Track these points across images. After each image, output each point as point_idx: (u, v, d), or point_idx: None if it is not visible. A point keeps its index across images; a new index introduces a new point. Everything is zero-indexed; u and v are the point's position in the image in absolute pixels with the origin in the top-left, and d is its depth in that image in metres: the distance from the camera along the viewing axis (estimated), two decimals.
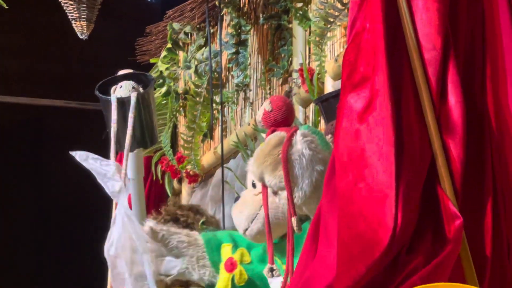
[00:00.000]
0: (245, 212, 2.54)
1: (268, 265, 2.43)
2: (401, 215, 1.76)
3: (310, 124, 3.36)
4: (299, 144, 2.36)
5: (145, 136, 3.04)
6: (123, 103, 2.96)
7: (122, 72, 3.20)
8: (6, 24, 7.10)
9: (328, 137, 2.44)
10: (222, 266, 2.66)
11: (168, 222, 3.48)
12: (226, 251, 2.67)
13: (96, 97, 3.55)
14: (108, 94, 3.02)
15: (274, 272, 2.40)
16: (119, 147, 2.98)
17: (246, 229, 2.54)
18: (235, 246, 2.65)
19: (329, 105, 2.57)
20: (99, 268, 4.40)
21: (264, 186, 2.42)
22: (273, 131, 2.41)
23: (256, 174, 2.41)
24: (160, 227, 2.69)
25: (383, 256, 1.74)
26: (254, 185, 2.54)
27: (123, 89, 3.01)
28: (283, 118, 2.43)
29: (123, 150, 2.96)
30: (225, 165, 3.86)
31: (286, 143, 2.34)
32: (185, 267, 2.66)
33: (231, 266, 2.64)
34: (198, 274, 2.68)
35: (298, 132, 2.38)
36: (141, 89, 3.03)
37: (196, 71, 4.25)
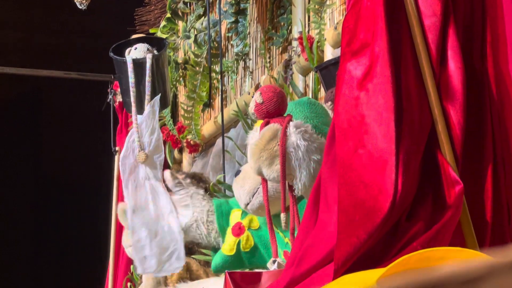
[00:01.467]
0: (246, 187, 2.56)
1: (273, 258, 2.44)
2: (401, 181, 1.76)
3: (311, 93, 3.35)
4: (293, 136, 2.36)
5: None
6: (138, 65, 2.97)
7: (135, 36, 3.21)
8: None
9: (328, 104, 2.44)
10: (229, 230, 2.68)
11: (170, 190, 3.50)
12: (236, 216, 2.70)
13: (96, 67, 3.53)
14: (122, 56, 3.03)
15: (277, 265, 2.42)
16: (139, 110, 2.99)
17: (248, 204, 2.56)
18: (245, 212, 2.67)
19: (328, 73, 2.56)
20: (99, 240, 4.41)
21: (264, 180, 2.44)
22: (267, 123, 2.41)
23: (254, 169, 2.42)
24: (181, 176, 2.74)
25: (383, 223, 1.75)
26: None
27: (137, 51, 3.02)
28: (275, 109, 2.42)
29: (136, 113, 2.97)
30: (225, 134, 3.86)
31: (283, 137, 2.35)
32: (195, 219, 2.68)
33: (238, 230, 2.67)
34: (206, 228, 2.71)
35: (291, 123, 2.38)
36: (155, 52, 3.03)
37: (195, 41, 4.24)
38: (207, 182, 3.49)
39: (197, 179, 3.54)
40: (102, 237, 4.29)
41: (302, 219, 1.97)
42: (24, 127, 7.65)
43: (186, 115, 4.34)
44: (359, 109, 1.82)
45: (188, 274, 3.29)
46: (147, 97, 2.93)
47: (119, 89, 4.45)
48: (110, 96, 4.39)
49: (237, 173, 2.63)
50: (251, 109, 2.46)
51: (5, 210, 7.56)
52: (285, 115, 2.45)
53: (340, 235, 1.76)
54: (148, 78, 2.96)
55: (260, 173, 2.42)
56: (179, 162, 4.64)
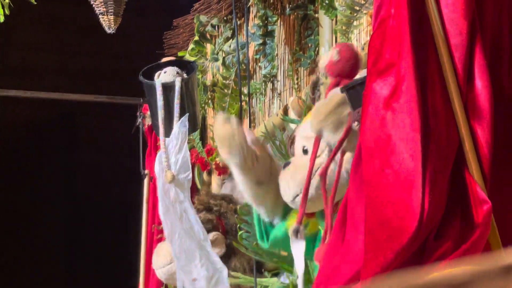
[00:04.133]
0: (297, 177, 2.40)
1: (295, 225, 2.29)
2: (428, 201, 1.75)
3: None
4: None
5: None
6: (167, 88, 2.98)
7: (165, 59, 3.23)
8: (34, 19, 7.16)
9: (355, 124, 2.42)
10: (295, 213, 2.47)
11: (201, 211, 3.50)
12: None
13: (126, 90, 3.54)
14: (152, 80, 3.05)
15: (299, 234, 2.28)
16: (166, 133, 3.00)
17: (296, 196, 2.40)
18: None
19: (356, 93, 2.54)
20: (129, 261, 4.42)
21: (318, 139, 2.29)
22: (337, 83, 2.27)
23: (313, 127, 2.26)
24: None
25: (411, 242, 1.74)
26: (305, 151, 2.44)
27: (167, 75, 3.03)
28: (349, 70, 2.29)
29: (164, 136, 2.98)
30: None
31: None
32: None
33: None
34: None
35: None
36: (185, 75, 3.04)
37: (223, 63, 4.26)
38: (237, 203, 3.48)
39: (227, 201, 3.54)
40: (132, 259, 4.30)
41: (329, 239, 1.97)
42: (57, 150, 7.71)
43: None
44: (385, 128, 1.82)
45: None
46: (175, 119, 2.95)
47: (148, 112, 4.48)
48: (139, 119, 4.42)
49: (286, 165, 2.47)
50: (323, 64, 2.33)
51: (38, 230, 7.62)
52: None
53: (367, 255, 1.76)
54: (177, 101, 2.97)
55: (318, 133, 2.27)
56: (208, 185, 4.66)
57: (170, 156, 2.87)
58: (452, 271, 0.87)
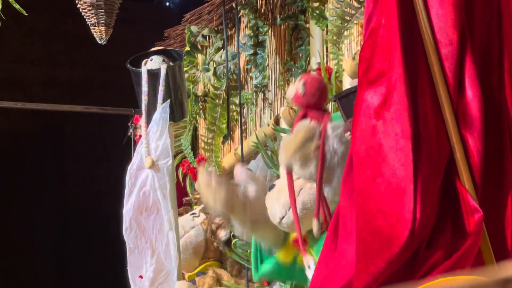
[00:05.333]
0: (281, 199, 2.45)
1: (305, 258, 2.35)
2: (419, 209, 1.76)
3: None
4: (330, 139, 2.28)
5: (173, 109, 3.07)
6: (153, 75, 3.01)
7: (153, 49, 3.27)
8: (26, 31, 7.15)
9: (347, 134, 2.43)
10: (289, 241, 2.52)
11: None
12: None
13: (117, 101, 3.54)
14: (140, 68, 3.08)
15: (310, 266, 2.34)
16: (149, 120, 3.01)
17: (283, 217, 2.45)
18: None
19: (348, 101, 2.54)
20: (121, 273, 4.41)
21: (289, 173, 2.35)
22: (304, 115, 2.32)
23: (283, 162, 2.33)
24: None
25: (402, 251, 1.74)
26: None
27: (153, 62, 3.07)
28: (315, 102, 2.34)
29: (146, 122, 3.00)
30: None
31: (323, 142, 2.26)
32: None
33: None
34: None
35: (329, 125, 2.29)
36: (171, 63, 3.08)
37: (214, 73, 4.26)
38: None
39: None
40: (121, 270, 4.30)
41: (322, 248, 1.97)
42: (47, 161, 7.69)
43: (206, 147, 4.35)
44: (376, 137, 1.82)
45: (219, 285, 3.27)
46: (159, 105, 2.97)
47: (139, 123, 4.47)
48: (130, 130, 4.41)
49: (271, 187, 2.52)
50: (290, 95, 2.37)
51: (28, 241, 7.60)
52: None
53: (359, 264, 1.76)
54: (161, 88, 3.01)
55: (289, 167, 2.33)
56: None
57: (151, 142, 2.88)
58: (450, 281, 0.87)
